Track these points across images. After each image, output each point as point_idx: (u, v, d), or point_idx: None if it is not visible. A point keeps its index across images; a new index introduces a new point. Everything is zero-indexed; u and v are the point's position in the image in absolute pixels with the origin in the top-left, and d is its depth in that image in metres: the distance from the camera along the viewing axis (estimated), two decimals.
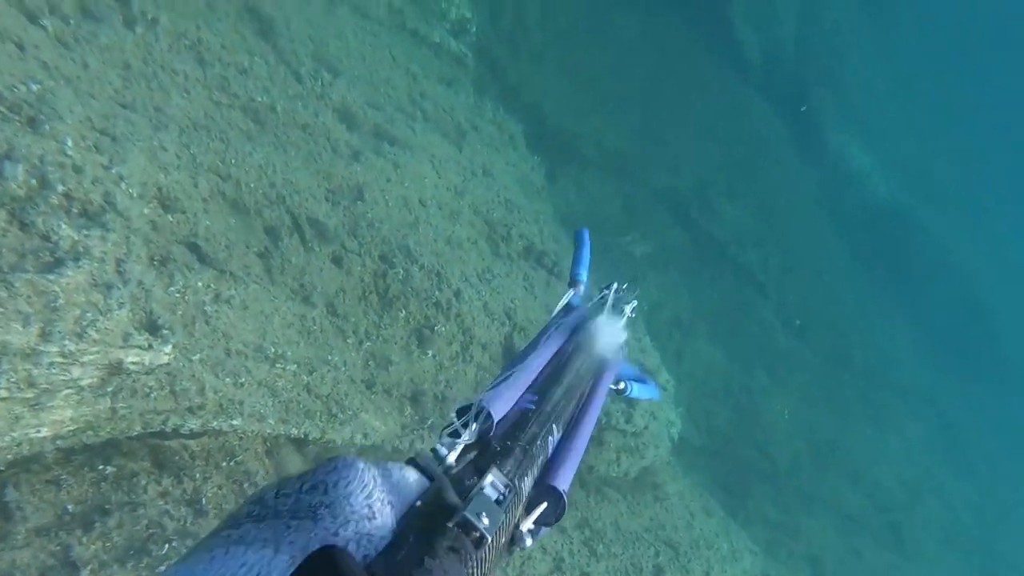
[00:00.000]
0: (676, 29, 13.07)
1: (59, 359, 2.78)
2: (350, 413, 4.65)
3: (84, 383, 2.91)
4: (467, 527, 1.10)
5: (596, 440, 7.15)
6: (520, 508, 1.32)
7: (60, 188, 3.05)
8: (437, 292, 5.84)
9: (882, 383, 16.46)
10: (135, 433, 3.32)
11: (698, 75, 13.63)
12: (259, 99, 4.87)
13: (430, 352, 5.60)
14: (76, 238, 3.01)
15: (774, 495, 12.24)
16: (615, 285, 2.98)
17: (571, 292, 2.73)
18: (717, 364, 12.97)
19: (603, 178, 12.43)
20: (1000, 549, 15.86)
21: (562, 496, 1.41)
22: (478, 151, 8.02)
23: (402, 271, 5.60)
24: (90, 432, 3.08)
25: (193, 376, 3.62)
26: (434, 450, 1.22)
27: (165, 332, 3.30)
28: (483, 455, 1.30)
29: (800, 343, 15.01)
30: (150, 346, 3.18)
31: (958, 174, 18.98)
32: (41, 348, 2.69)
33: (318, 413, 4.42)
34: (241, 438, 4.13)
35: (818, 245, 16.03)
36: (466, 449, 1.26)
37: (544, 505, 1.39)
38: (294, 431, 4.19)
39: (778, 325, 14.80)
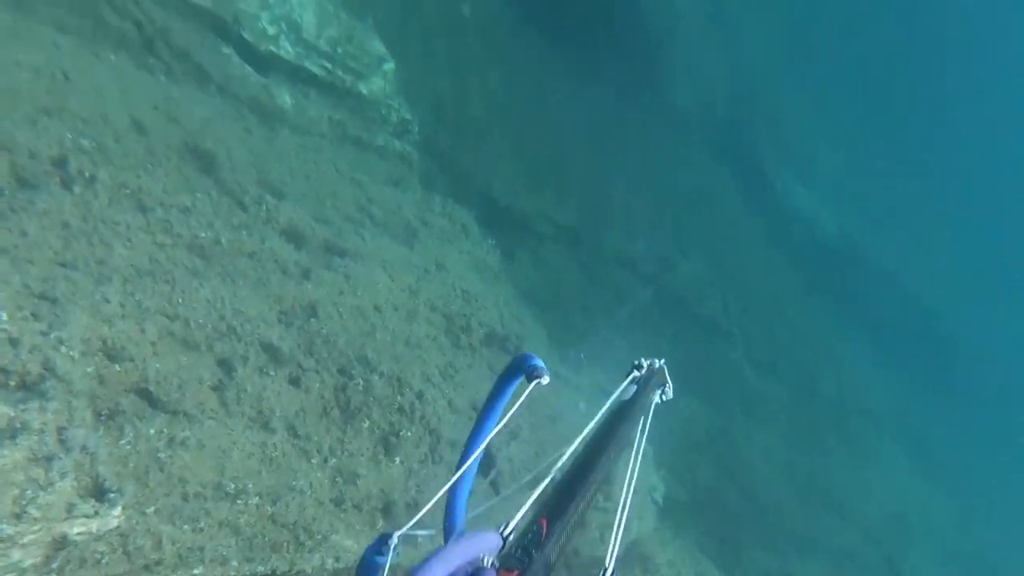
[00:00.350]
0: (609, 97, 13.55)
1: None
2: (319, 538, 4.51)
3: (26, 564, 2.80)
4: None
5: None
6: None
7: None
8: (399, 397, 5.80)
9: (853, 411, 16.53)
10: None
11: (637, 139, 14.06)
12: (203, 235, 4.90)
13: (398, 459, 5.51)
14: (12, 414, 2.95)
15: (767, 541, 12.05)
16: (654, 362, 2.32)
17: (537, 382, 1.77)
18: (694, 415, 12.94)
19: (560, 250, 12.60)
20: (992, 558, 15.71)
21: None
22: (430, 246, 8.10)
23: (362, 382, 5.55)
24: None
25: (148, 531, 3.51)
26: None
27: (113, 495, 3.21)
28: None
29: (772, 381, 15.10)
30: (97, 513, 3.09)
31: (899, 202, 19.64)
32: None
33: (285, 544, 4.29)
34: None
35: (775, 284, 16.31)
36: None
37: None
38: (260, 569, 4.05)
39: (748, 367, 14.90)
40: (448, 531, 1.72)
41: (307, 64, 7.20)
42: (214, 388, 4.54)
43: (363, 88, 7.94)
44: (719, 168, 15.11)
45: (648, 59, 13.63)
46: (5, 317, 3.21)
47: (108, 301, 3.94)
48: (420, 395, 6.00)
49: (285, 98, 6.98)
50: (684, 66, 14.08)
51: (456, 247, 8.87)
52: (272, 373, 4.99)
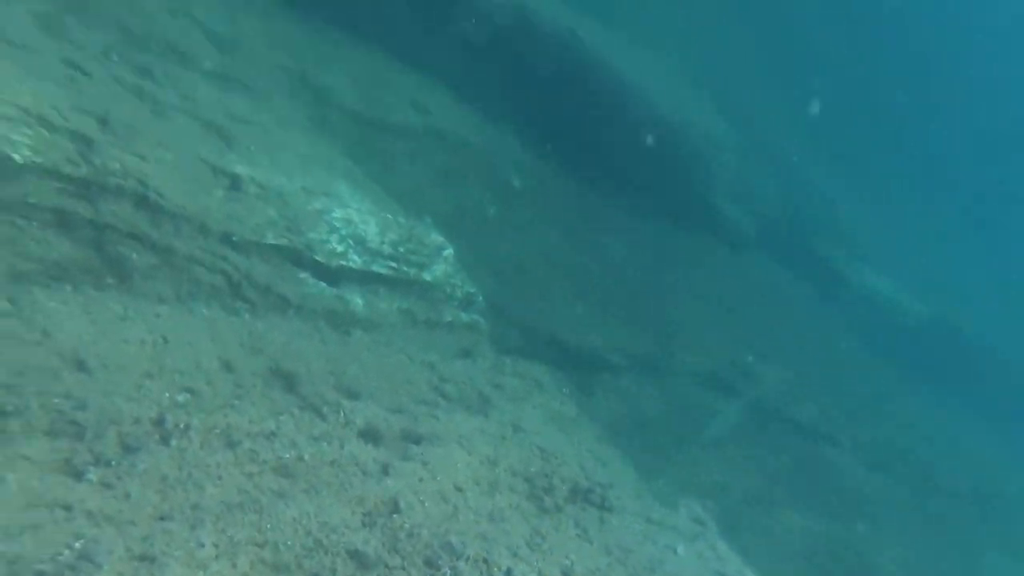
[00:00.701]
0: (664, 227, 13.68)
1: None
2: None
3: None
4: None
5: None
6: None
7: None
8: None
9: (989, 499, 14.61)
10: None
11: (696, 260, 13.96)
12: (287, 455, 5.15)
13: None
14: None
15: None
16: None
17: None
18: (810, 530, 11.79)
19: (638, 379, 12.33)
20: None
21: None
22: (505, 410, 8.13)
23: (448, 571, 5.45)
24: None
25: None
26: None
27: None
28: None
29: (889, 481, 13.71)
30: None
31: (981, 271, 18.28)
32: None
33: None
34: None
35: (869, 378, 15.18)
36: None
37: None
38: None
39: (859, 470, 13.66)
40: None
41: (374, 268, 7.74)
42: None
43: (427, 276, 8.40)
44: (786, 274, 14.69)
45: (696, 187, 13.79)
46: None
47: (202, 545, 4.14)
48: (509, 573, 5.81)
49: (357, 301, 7.47)
50: (731, 186, 14.12)
51: (531, 404, 8.85)
52: None
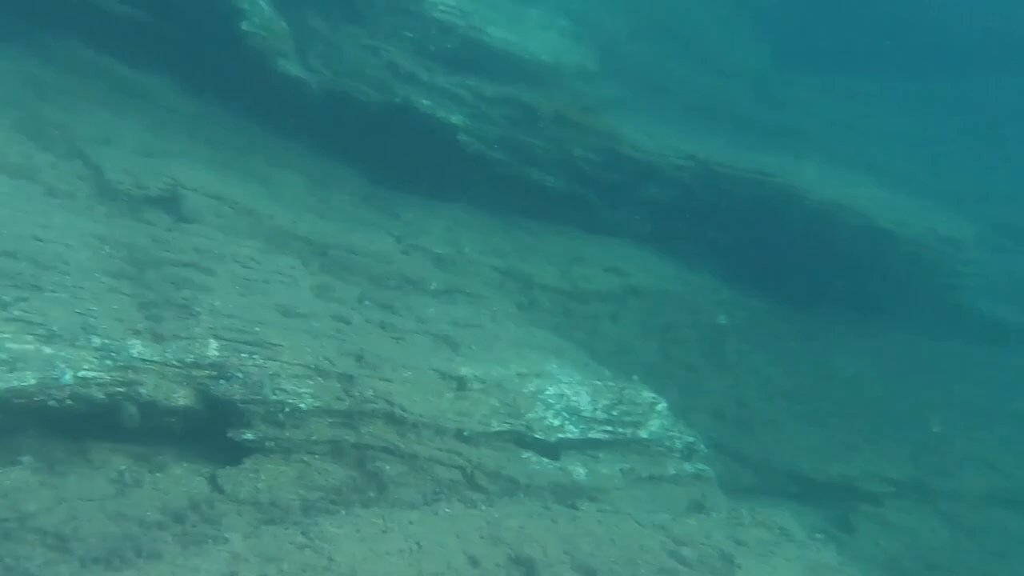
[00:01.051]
0: (900, 337, 11.83)
1: None
2: None
3: None
4: None
5: None
6: None
7: None
8: None
9: None
10: None
11: (950, 366, 11.72)
12: None
13: None
14: None
15: None
16: None
17: None
18: None
19: (908, 508, 10.27)
20: None
21: None
22: (752, 569, 7.21)
23: None
24: None
25: None
26: None
27: None
28: None
29: None
30: None
31: None
32: None
33: None
34: None
35: None
36: None
37: None
38: None
39: None
40: None
41: (591, 435, 7.74)
42: None
43: (643, 433, 8.15)
44: None
45: (938, 290, 11.86)
46: None
47: None
48: None
49: (579, 471, 7.45)
50: (983, 281, 11.88)
51: (782, 557, 7.74)
52: None
